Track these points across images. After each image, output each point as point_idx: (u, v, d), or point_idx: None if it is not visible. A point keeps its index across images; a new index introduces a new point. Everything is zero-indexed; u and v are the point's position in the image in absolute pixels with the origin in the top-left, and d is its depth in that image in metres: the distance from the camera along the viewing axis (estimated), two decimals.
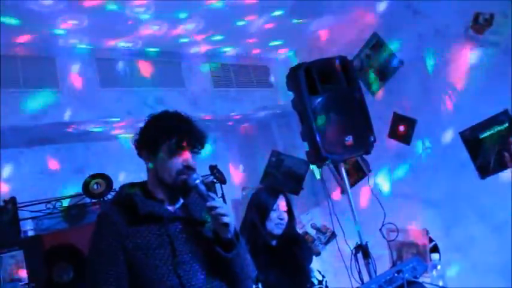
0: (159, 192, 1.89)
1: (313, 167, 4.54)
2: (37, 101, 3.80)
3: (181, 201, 1.95)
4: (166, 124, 1.90)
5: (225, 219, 1.76)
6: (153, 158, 1.89)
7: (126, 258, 1.76)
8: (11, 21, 3.47)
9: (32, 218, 3.82)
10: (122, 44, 4.25)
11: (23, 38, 3.71)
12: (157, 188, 1.90)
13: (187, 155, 1.85)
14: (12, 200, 3.69)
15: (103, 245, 1.79)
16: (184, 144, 1.85)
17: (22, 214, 3.74)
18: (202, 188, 1.81)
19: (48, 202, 3.88)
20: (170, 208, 1.89)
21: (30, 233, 3.79)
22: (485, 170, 3.73)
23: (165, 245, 1.78)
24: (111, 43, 4.18)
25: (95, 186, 3.98)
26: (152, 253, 1.76)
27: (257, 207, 2.71)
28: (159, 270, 1.75)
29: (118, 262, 1.75)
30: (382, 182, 4.47)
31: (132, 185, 1.96)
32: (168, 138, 1.85)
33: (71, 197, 4.02)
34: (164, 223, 1.81)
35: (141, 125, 1.96)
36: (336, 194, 4.40)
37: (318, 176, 4.24)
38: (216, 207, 1.77)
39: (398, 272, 2.21)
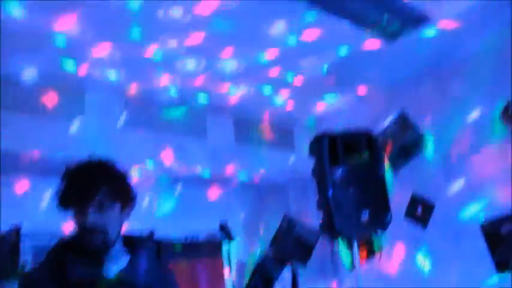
0: None
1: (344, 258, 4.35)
2: (60, 132, 3.85)
3: (128, 257, 1.65)
4: (69, 179, 1.63)
5: None
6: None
7: None
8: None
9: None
10: (153, 87, 4.30)
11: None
12: None
13: (85, 214, 1.55)
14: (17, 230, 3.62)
15: None
16: (77, 202, 1.57)
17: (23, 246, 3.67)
18: None
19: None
20: (113, 267, 1.59)
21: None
22: (503, 266, 3.57)
23: None
24: (143, 86, 4.22)
25: None
26: None
27: (262, 276, 2.64)
28: None
29: None
30: (394, 261, 4.32)
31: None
32: (69, 195, 1.60)
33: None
34: None
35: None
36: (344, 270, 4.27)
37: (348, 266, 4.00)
38: None
39: None
